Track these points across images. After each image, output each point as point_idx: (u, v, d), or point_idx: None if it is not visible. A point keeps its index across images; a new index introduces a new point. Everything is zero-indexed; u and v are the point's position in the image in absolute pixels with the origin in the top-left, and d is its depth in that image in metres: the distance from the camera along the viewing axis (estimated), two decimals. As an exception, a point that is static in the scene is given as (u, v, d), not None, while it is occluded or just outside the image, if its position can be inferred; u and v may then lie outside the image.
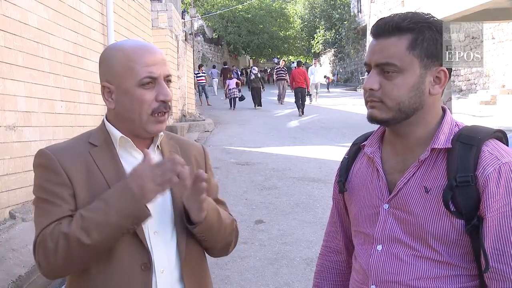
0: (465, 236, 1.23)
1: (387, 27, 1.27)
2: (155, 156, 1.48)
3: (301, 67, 18.81)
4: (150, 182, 1.29)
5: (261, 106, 19.99)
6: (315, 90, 22.06)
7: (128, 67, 1.38)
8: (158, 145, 1.50)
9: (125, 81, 1.39)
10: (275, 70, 22.34)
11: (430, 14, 1.30)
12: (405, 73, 1.26)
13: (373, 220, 1.37)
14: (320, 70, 24.53)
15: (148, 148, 1.47)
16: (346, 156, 1.53)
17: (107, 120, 1.48)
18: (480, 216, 1.21)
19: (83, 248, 1.29)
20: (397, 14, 1.30)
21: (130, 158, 1.46)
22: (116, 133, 1.45)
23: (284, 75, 21.33)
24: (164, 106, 1.41)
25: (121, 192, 1.30)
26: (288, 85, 19.92)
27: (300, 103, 17.19)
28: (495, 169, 1.20)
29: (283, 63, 23.57)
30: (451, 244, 1.25)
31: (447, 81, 1.29)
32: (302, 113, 17.16)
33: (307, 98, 19.03)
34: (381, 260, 1.33)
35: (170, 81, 1.45)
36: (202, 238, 1.48)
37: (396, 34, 1.26)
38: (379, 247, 1.34)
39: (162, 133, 1.50)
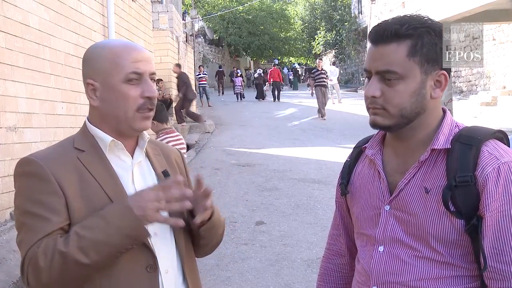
0: (465, 236, 1.23)
1: (386, 34, 1.26)
2: (142, 159, 1.47)
3: (275, 67, 25.83)
4: (152, 206, 1.28)
5: (263, 99, 24.12)
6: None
7: (115, 63, 1.38)
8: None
9: (111, 77, 1.38)
10: (313, 74, 16.81)
11: (427, 16, 1.29)
12: (406, 79, 1.25)
13: (375, 221, 1.37)
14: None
15: (134, 150, 1.46)
16: (348, 159, 1.53)
17: (89, 122, 1.45)
18: (479, 216, 1.21)
19: (81, 268, 1.25)
20: (394, 18, 1.29)
21: (119, 161, 1.43)
22: (104, 137, 1.42)
23: (326, 80, 16.34)
24: (149, 103, 1.40)
25: (121, 212, 1.28)
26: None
27: (276, 94, 22.82)
28: (494, 169, 1.20)
29: (321, 63, 17.66)
30: (452, 245, 1.25)
31: (447, 83, 1.29)
32: (278, 99, 22.70)
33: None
34: (382, 261, 1.33)
35: (155, 80, 1.44)
36: (203, 235, 1.49)
37: (395, 41, 1.25)
38: (381, 248, 1.34)
39: (148, 136, 1.49)
